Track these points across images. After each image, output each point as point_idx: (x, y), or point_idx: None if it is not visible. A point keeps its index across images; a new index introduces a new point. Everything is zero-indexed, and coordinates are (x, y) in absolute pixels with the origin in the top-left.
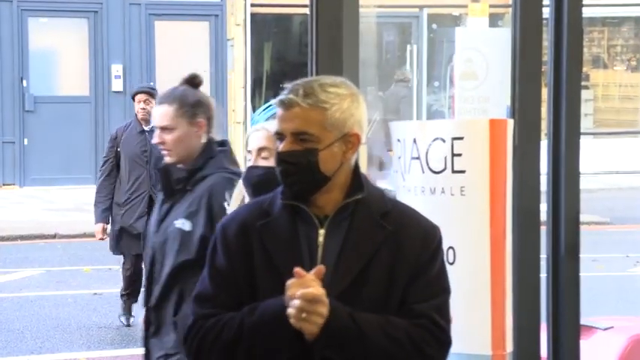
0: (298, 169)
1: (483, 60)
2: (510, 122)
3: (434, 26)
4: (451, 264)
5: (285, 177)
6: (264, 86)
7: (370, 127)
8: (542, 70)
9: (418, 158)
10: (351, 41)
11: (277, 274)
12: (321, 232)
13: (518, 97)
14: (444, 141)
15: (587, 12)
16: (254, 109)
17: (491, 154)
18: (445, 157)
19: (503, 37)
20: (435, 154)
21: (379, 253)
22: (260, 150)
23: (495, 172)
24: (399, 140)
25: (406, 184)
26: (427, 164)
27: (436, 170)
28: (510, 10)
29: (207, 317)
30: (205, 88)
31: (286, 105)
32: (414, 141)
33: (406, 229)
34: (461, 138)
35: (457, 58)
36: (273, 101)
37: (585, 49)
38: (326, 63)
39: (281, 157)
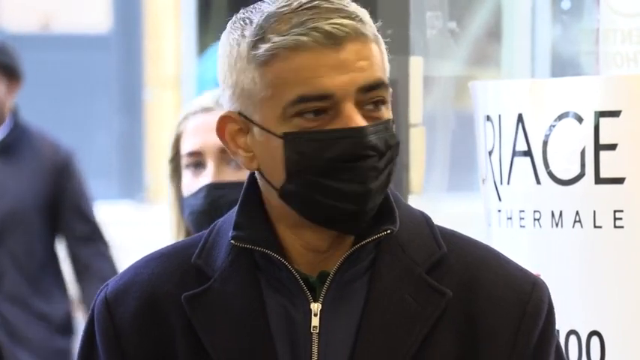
0: (389, 162)
1: None
2: None
3: None
4: None
5: (366, 182)
6: None
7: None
8: None
9: (529, 154)
10: None
11: None
12: (315, 307)
13: None
14: (580, 120)
15: None
16: None
17: None
18: (583, 152)
19: None
20: (564, 147)
21: (433, 341)
22: (221, 153)
23: None
24: (488, 118)
25: (504, 207)
26: (547, 166)
27: (565, 178)
28: None
29: None
30: None
31: (341, 38)
32: (520, 119)
33: (483, 292)
34: (616, 113)
35: None
36: (282, 38)
37: None
38: None
39: (366, 143)
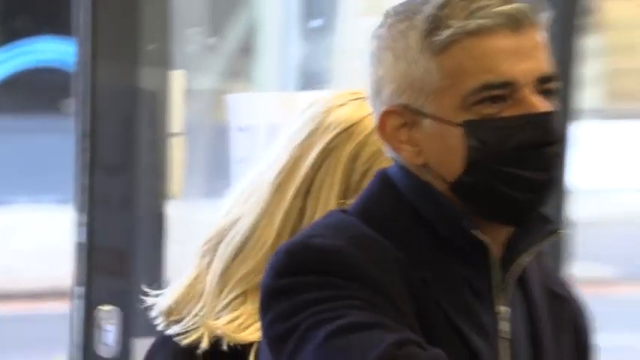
0: (562, 150)
1: None
2: None
3: None
4: None
5: (549, 170)
6: None
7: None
8: None
9: None
10: None
11: None
12: (503, 310)
13: None
14: None
15: None
16: None
17: None
18: None
19: None
20: None
21: (564, 344)
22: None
23: None
24: (241, 129)
25: None
26: None
27: None
28: None
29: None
30: None
31: (521, 22)
32: (272, 130)
33: (572, 294)
34: None
35: None
36: (464, 23)
37: None
38: None
39: (551, 130)
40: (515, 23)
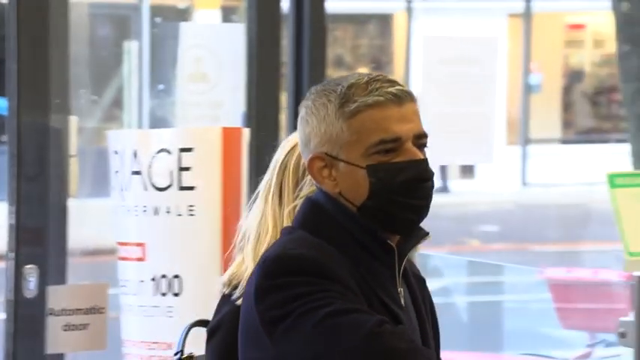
0: (432, 187)
1: (215, 60)
2: (246, 131)
3: (157, 20)
4: (176, 295)
5: (427, 199)
6: None
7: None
8: (282, 72)
9: (139, 173)
10: (59, 35)
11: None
12: (401, 290)
13: (255, 103)
14: (169, 153)
15: (330, 8)
16: None
17: (224, 167)
18: (171, 172)
19: (237, 34)
20: (160, 169)
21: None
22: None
23: (229, 188)
24: (116, 152)
25: (126, 204)
26: (150, 180)
27: (161, 187)
28: (244, 2)
29: None
30: None
31: (402, 98)
32: (135, 153)
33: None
34: (189, 149)
35: (183, 58)
36: (365, 99)
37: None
38: (29, 62)
39: (427, 170)
40: (399, 99)
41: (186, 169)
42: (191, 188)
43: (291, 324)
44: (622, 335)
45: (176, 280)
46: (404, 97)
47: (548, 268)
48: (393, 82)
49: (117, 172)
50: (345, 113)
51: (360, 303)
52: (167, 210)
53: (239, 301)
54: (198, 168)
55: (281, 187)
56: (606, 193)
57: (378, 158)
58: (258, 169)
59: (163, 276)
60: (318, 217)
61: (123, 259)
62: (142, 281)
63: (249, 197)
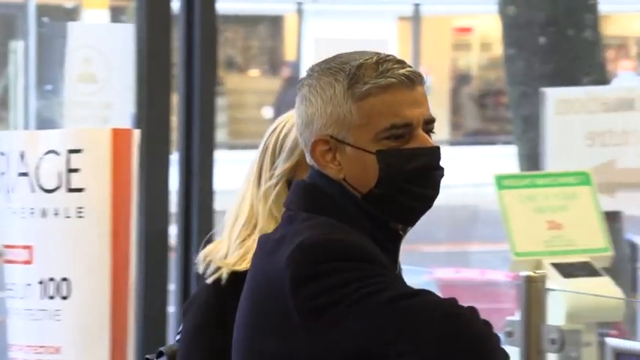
0: (442, 176)
1: (104, 60)
2: (136, 132)
3: (44, 19)
4: (65, 298)
5: (436, 188)
6: None
7: None
8: (173, 73)
9: (26, 174)
10: None
11: None
12: (399, 265)
13: (145, 104)
14: (58, 154)
15: (221, 8)
16: None
17: (114, 169)
18: (60, 174)
19: (126, 35)
20: (48, 170)
21: None
22: None
23: (119, 190)
24: (2, 154)
25: (12, 205)
26: (38, 182)
27: (49, 189)
28: (134, 2)
29: None
30: None
31: (414, 81)
32: (22, 154)
33: None
34: (78, 151)
35: (71, 58)
36: (377, 81)
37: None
38: None
39: (439, 158)
40: (412, 82)
41: (75, 170)
42: (80, 190)
43: (345, 311)
44: (509, 334)
45: (64, 282)
46: (415, 80)
47: (438, 268)
48: (403, 63)
49: (3, 173)
50: (354, 95)
51: (409, 287)
52: (55, 212)
53: (209, 279)
54: (87, 170)
55: (261, 168)
56: (494, 195)
57: (388, 144)
58: (148, 170)
59: (51, 279)
60: (322, 202)
61: (9, 262)
62: (29, 284)
63: (140, 199)
